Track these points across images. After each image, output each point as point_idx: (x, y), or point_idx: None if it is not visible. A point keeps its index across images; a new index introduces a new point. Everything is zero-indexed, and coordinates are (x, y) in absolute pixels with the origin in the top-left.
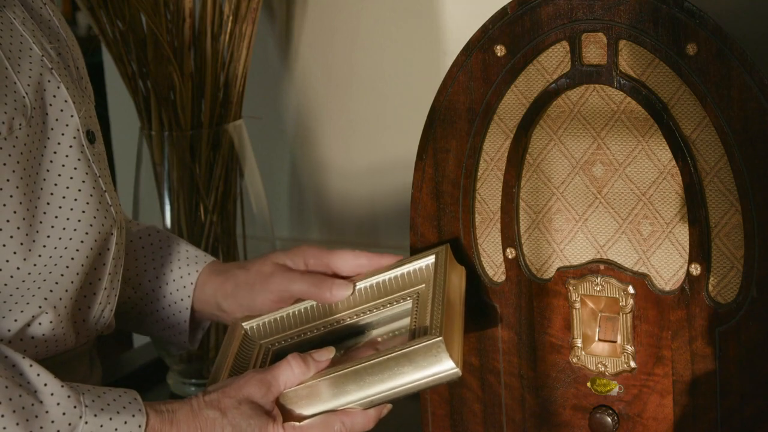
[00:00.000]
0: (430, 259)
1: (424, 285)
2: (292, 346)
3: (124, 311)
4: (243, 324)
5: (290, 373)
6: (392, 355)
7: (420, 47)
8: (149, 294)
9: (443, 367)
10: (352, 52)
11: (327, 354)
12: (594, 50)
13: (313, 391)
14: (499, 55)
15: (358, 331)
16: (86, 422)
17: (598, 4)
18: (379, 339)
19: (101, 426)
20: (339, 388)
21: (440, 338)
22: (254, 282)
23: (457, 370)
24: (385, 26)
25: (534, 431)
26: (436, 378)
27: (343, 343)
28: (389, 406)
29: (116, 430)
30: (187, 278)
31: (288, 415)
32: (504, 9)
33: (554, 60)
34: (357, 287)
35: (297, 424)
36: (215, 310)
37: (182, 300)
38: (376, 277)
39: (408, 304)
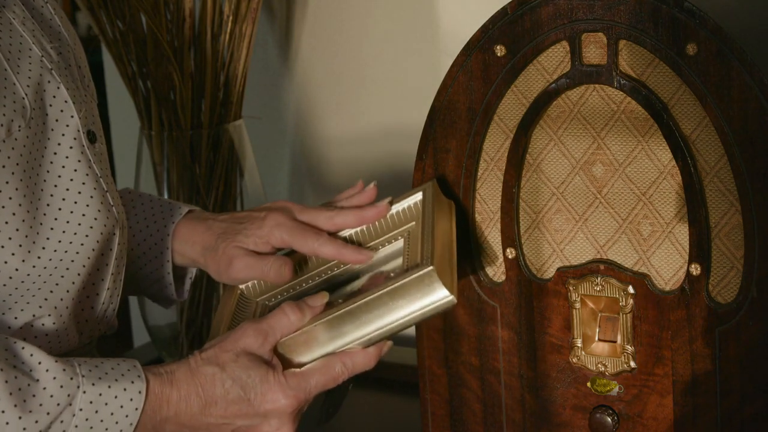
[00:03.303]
0: (417, 197)
1: (414, 223)
2: (288, 299)
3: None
4: (238, 285)
5: (286, 321)
6: (386, 290)
7: (420, 47)
8: (130, 253)
9: (437, 296)
10: (352, 52)
11: (321, 299)
12: (594, 50)
13: (311, 337)
14: (499, 55)
15: (353, 276)
16: (84, 392)
17: (598, 4)
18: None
19: (100, 394)
20: (336, 330)
21: (431, 267)
22: (219, 265)
23: (451, 297)
24: (385, 26)
25: (534, 431)
26: (431, 308)
27: (340, 290)
28: (390, 343)
29: (116, 397)
30: (163, 230)
31: (287, 363)
32: (504, 9)
33: (554, 60)
34: (347, 233)
35: (298, 370)
36: (192, 263)
37: (162, 253)
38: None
39: (400, 244)
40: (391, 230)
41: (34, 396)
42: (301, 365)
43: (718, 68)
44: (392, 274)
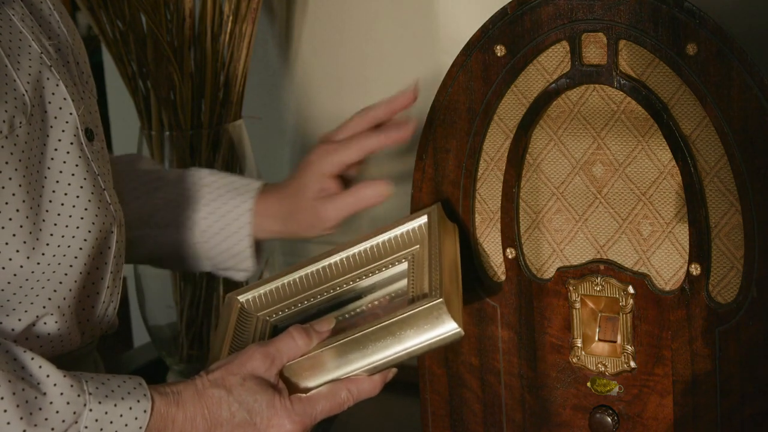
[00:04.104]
0: (422, 219)
1: (418, 246)
2: (290, 317)
3: (181, 255)
4: (238, 297)
5: (293, 345)
6: (394, 320)
7: (420, 47)
8: (207, 230)
9: (446, 328)
10: (352, 51)
11: (327, 324)
12: (594, 50)
13: (317, 362)
14: (499, 55)
15: (355, 296)
16: (90, 410)
17: (598, 4)
18: (377, 302)
19: (106, 413)
20: (342, 356)
21: (441, 300)
22: (308, 222)
23: (459, 330)
24: (384, 26)
25: (534, 431)
26: (439, 339)
27: (342, 309)
28: (394, 369)
29: (121, 416)
30: (243, 206)
31: (293, 388)
32: (504, 9)
33: (554, 60)
34: (351, 252)
35: (303, 395)
36: (274, 235)
37: (242, 228)
38: (370, 241)
39: (404, 266)
40: (395, 252)
41: (40, 409)
42: (306, 390)
43: (718, 68)
44: (397, 298)
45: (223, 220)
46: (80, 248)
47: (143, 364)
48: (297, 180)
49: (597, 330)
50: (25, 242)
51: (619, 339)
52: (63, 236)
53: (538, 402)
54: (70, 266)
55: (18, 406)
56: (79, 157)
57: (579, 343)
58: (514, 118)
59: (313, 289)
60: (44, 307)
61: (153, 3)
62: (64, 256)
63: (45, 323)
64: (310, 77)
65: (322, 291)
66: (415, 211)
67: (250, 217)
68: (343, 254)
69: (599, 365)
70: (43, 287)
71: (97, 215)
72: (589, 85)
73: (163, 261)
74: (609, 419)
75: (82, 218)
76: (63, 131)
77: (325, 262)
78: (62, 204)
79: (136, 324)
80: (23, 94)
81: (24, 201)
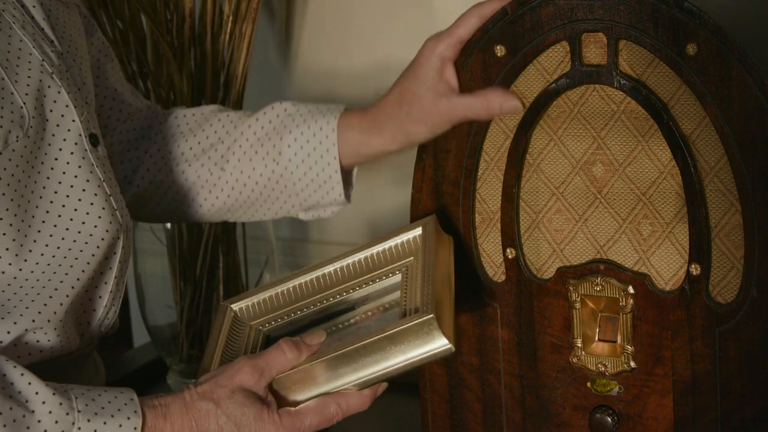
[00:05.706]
0: (417, 231)
1: (412, 258)
2: (283, 326)
3: (266, 196)
4: (232, 306)
5: (283, 358)
6: (385, 335)
7: (420, 47)
8: (292, 159)
9: (436, 344)
10: (352, 52)
11: (318, 338)
12: (594, 50)
13: (307, 375)
14: (499, 55)
15: (348, 307)
16: (79, 428)
17: (598, 4)
18: (370, 313)
19: (95, 431)
20: (332, 370)
21: (431, 315)
22: (419, 119)
23: (450, 346)
24: (384, 26)
25: (534, 431)
26: (429, 355)
27: (335, 320)
28: (385, 384)
29: None
30: (326, 128)
31: (282, 401)
32: (504, 9)
33: (554, 60)
34: (345, 263)
35: (292, 409)
36: (364, 147)
37: (327, 151)
38: (364, 251)
39: (397, 278)
40: (389, 263)
41: (28, 428)
42: (295, 403)
43: (718, 68)
44: (389, 309)
45: (308, 145)
46: (76, 258)
47: (143, 364)
48: (407, 76)
49: (597, 330)
50: (17, 255)
51: (619, 339)
52: (59, 247)
53: (538, 402)
54: (66, 274)
55: (5, 425)
56: (79, 166)
57: (579, 343)
58: (514, 118)
59: (307, 298)
60: (40, 313)
61: (153, 3)
62: (60, 265)
63: (44, 331)
64: (310, 77)
65: (315, 301)
66: (414, 210)
67: (335, 138)
68: (337, 264)
69: (599, 365)
70: (38, 294)
71: (96, 225)
72: (589, 85)
73: (242, 206)
74: (609, 419)
75: (79, 232)
76: (64, 140)
77: (319, 272)
78: (59, 215)
79: (136, 324)
80: (21, 107)
81: (16, 215)
